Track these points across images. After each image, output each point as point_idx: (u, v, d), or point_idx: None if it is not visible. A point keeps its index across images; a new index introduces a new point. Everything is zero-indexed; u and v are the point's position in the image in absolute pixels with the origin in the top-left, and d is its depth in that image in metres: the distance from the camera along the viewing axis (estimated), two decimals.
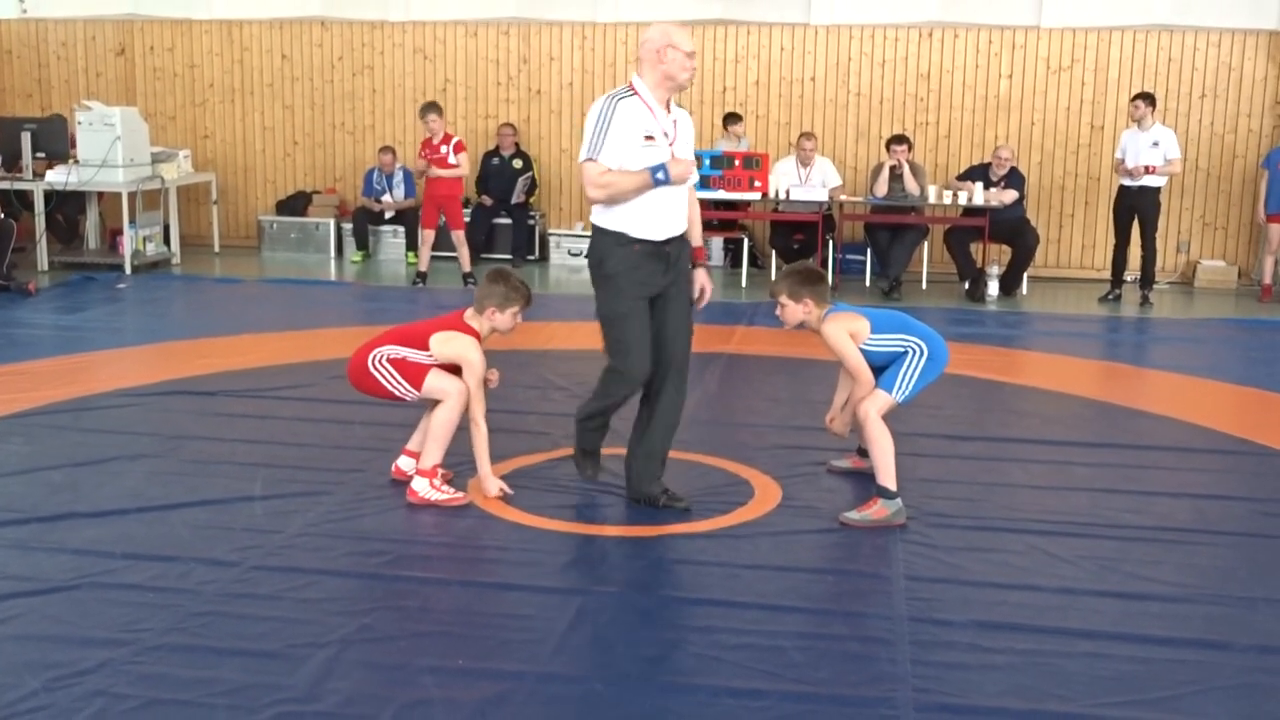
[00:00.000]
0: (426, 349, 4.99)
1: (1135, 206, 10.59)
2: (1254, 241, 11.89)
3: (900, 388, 4.93)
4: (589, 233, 4.93)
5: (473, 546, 4.59)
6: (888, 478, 4.87)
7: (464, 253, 10.95)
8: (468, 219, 12.19)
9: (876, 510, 4.84)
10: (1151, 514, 5.00)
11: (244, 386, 6.82)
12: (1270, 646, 3.80)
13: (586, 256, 4.88)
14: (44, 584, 4.06)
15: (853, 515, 4.86)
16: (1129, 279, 10.99)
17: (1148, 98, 10.47)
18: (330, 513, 4.82)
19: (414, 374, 4.96)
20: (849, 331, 4.98)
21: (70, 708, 3.25)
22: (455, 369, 5.01)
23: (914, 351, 4.96)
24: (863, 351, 4.97)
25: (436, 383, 4.97)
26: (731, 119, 11.80)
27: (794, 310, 5.04)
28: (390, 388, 4.98)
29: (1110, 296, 10.85)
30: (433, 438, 4.96)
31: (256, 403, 6.51)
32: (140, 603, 3.91)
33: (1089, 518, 4.93)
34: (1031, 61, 11.91)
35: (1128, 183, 10.54)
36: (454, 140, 10.72)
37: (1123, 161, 10.56)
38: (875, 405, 4.92)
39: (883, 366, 4.99)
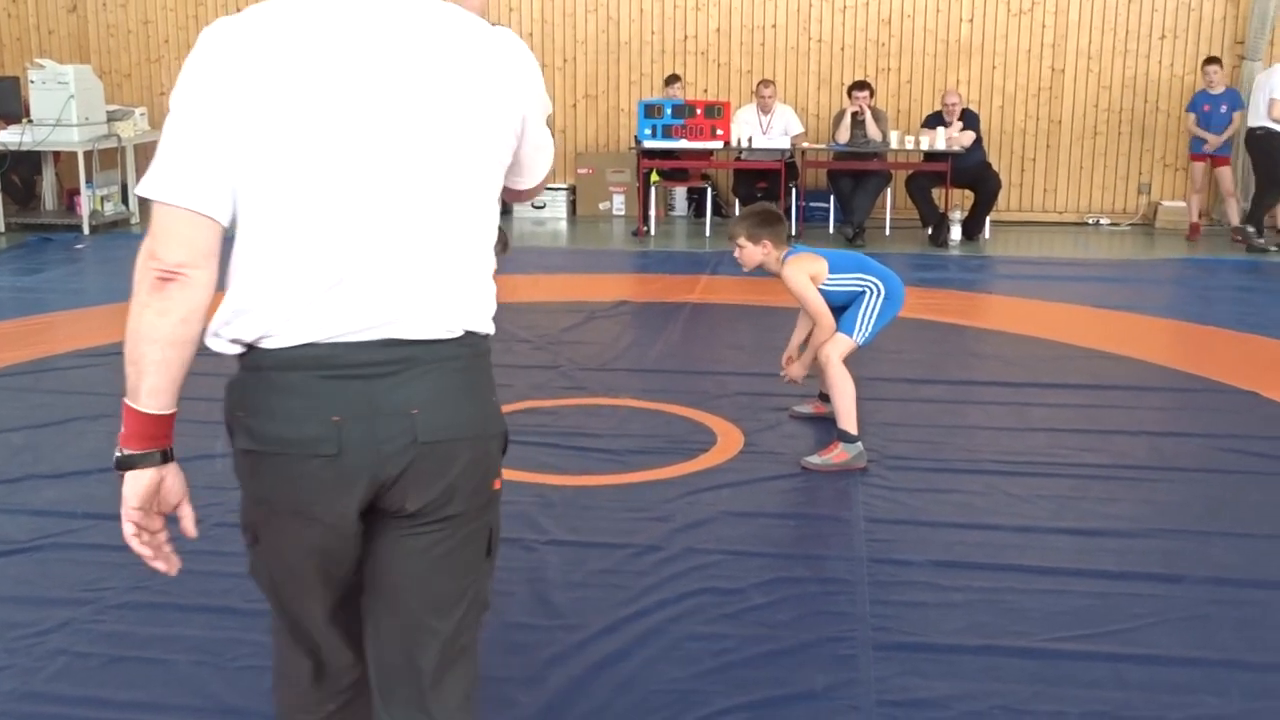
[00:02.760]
0: None
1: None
2: (1214, 183, 11.95)
3: (860, 329, 4.97)
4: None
5: None
6: (849, 422, 4.91)
7: None
8: None
9: (837, 454, 4.88)
10: (1109, 452, 5.06)
11: (203, 345, 6.77)
12: (1224, 578, 3.86)
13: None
14: (5, 545, 4.04)
15: (814, 459, 4.90)
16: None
17: None
18: None
19: None
20: (809, 274, 4.99)
21: (32, 667, 3.25)
22: None
23: (872, 291, 4.99)
24: (822, 292, 5.00)
25: None
26: (671, 80, 11.72)
27: (752, 252, 5.05)
28: None
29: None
30: None
31: (217, 360, 6.46)
32: (102, 562, 3.90)
33: (1048, 457, 4.98)
34: (992, 4, 11.88)
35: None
36: None
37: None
38: (837, 349, 4.95)
39: (842, 307, 5.03)
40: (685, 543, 4.13)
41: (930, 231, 10.90)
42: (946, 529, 4.25)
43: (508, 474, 4.73)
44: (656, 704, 3.12)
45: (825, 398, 5.37)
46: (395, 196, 1.83)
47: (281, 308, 1.85)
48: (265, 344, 1.89)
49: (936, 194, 10.96)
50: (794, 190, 11.16)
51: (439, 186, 1.86)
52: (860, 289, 5.01)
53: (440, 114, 1.84)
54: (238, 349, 1.93)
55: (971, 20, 11.92)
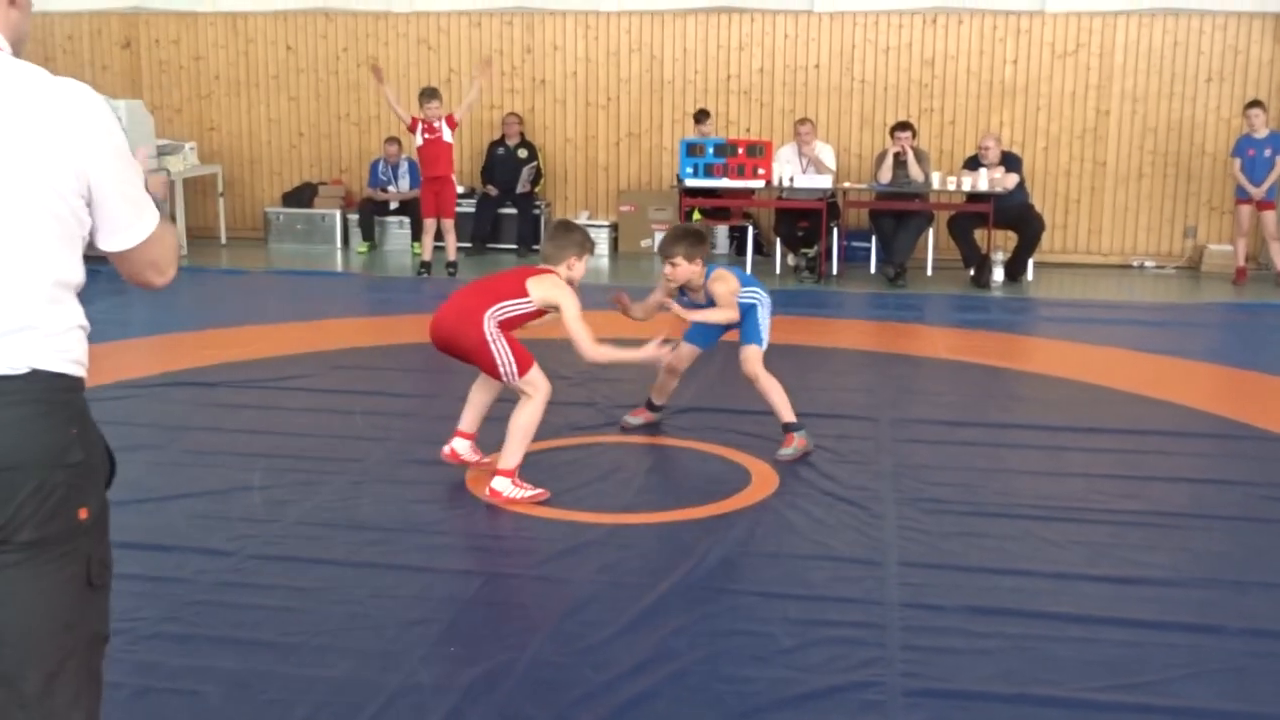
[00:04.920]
0: (525, 295, 4.97)
1: None
2: (1260, 226, 11.84)
3: (764, 338, 5.61)
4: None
5: (468, 534, 4.61)
6: (789, 413, 5.54)
7: (451, 241, 10.97)
8: (473, 209, 12.24)
9: (797, 441, 5.47)
10: (1146, 498, 5.00)
11: (246, 377, 6.86)
12: (1261, 629, 3.80)
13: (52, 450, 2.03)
14: None
15: (786, 452, 5.45)
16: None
17: None
18: (327, 502, 4.85)
19: (521, 354, 4.91)
20: (730, 290, 5.50)
21: None
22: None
23: (761, 302, 5.61)
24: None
25: (535, 376, 4.94)
26: (701, 116, 11.75)
27: (687, 270, 5.47)
28: (498, 360, 4.85)
29: None
30: (515, 438, 4.89)
31: (258, 393, 6.54)
32: (136, 592, 3.94)
33: (1084, 503, 4.93)
34: (1036, 46, 11.87)
35: None
36: (445, 116, 10.73)
37: None
38: (758, 361, 5.57)
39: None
40: (717, 583, 4.12)
41: (972, 272, 10.86)
42: (980, 574, 4.21)
43: (540, 511, 4.75)
44: None
45: (652, 406, 6.01)
46: None
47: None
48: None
49: (979, 235, 10.92)
50: (835, 230, 11.16)
51: None
52: (754, 301, 5.59)
53: None
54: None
55: (1015, 62, 11.90)
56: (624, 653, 3.60)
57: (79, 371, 2.08)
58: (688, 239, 5.49)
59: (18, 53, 2.15)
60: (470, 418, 5.22)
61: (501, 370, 4.89)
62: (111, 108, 8.08)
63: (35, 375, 2.00)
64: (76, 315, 2.08)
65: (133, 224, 2.13)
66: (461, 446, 5.22)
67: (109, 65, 13.24)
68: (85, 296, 2.17)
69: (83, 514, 2.03)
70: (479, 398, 5.22)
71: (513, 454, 4.92)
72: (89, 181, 2.03)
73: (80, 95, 2.04)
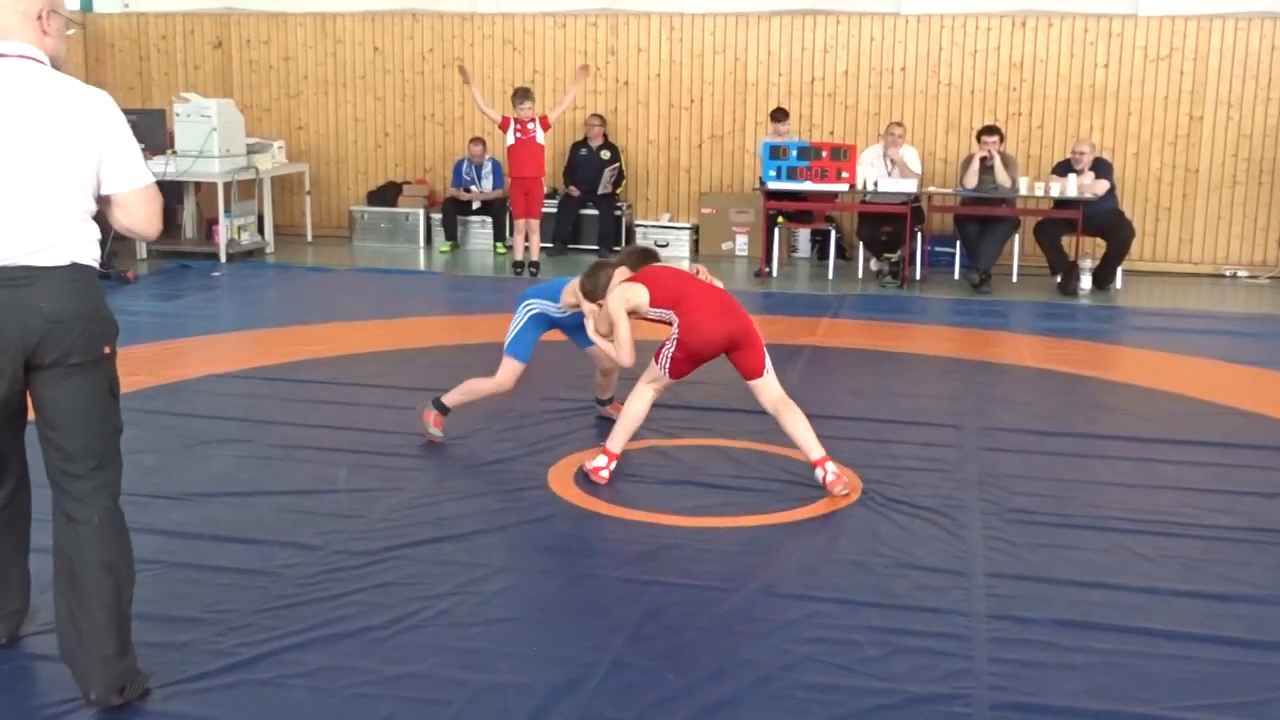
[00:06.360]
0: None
1: None
2: None
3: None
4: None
5: (551, 535, 4.61)
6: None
7: (535, 242, 11.08)
8: (554, 209, 12.28)
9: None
10: (1241, 514, 4.88)
11: (332, 374, 6.93)
12: None
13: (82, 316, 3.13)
14: None
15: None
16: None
17: None
18: (412, 499, 4.88)
19: None
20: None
21: (149, 687, 3.32)
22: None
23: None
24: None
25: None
26: (778, 115, 11.65)
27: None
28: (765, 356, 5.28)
29: None
30: (806, 432, 5.18)
31: (344, 389, 6.61)
32: (224, 584, 4.00)
33: (1176, 516, 4.82)
34: (1128, 50, 11.66)
35: None
36: (538, 117, 10.85)
37: None
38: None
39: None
40: (799, 589, 4.09)
41: (1059, 279, 10.69)
42: (1069, 587, 4.13)
43: (621, 512, 4.76)
44: None
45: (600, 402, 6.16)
46: (12, 186, 3.01)
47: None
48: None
49: (1066, 241, 10.74)
50: (919, 234, 11.04)
51: (39, 181, 3.02)
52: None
53: (39, 141, 3.02)
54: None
55: (1106, 66, 11.70)
56: (705, 657, 3.59)
57: (95, 265, 3.16)
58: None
59: (57, 66, 3.15)
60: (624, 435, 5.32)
61: (766, 359, 5.25)
62: (202, 107, 8.34)
63: (73, 266, 3.09)
64: (95, 231, 3.16)
65: (128, 176, 3.15)
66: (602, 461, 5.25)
67: (200, 65, 13.47)
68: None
69: (106, 350, 3.18)
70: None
71: (817, 447, 5.15)
72: (102, 147, 3.08)
73: (97, 96, 3.12)
